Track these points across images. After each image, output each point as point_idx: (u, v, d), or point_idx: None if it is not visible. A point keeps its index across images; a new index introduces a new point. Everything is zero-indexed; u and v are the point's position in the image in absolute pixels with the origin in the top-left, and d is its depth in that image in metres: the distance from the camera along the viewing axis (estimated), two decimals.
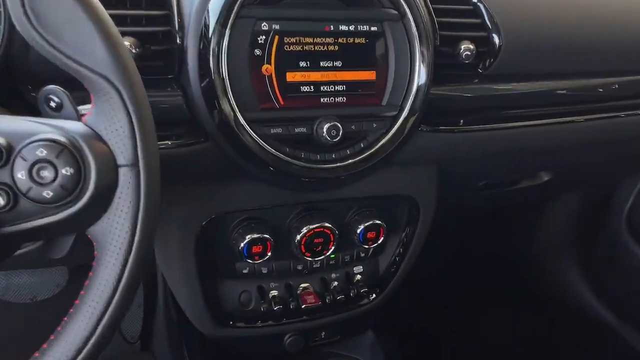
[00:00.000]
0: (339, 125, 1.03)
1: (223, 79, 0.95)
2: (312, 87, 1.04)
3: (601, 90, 1.38)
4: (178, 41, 0.99)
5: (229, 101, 0.97)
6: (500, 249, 2.43)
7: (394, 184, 1.25)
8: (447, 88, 1.20)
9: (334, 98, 1.06)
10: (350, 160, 1.08)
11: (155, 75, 1.00)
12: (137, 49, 0.94)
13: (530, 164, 1.50)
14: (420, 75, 1.08)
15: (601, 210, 2.05)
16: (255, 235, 1.14)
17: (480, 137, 1.26)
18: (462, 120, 1.24)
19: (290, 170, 1.01)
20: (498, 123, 1.28)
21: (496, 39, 1.21)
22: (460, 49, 1.17)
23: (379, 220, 1.19)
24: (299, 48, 1.02)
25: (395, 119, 1.10)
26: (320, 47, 1.04)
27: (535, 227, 2.26)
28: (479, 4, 1.22)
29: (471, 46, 1.17)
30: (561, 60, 1.31)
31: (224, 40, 0.95)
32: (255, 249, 1.14)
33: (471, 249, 2.41)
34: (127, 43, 0.92)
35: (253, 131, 1.00)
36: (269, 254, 1.16)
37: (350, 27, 1.05)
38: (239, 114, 0.98)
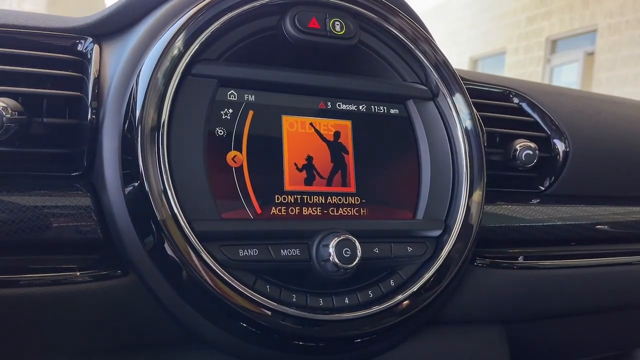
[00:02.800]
0: (356, 243, 0.62)
1: (161, 174, 0.57)
2: (305, 188, 0.66)
3: None
4: (90, 115, 0.63)
5: (169, 206, 0.57)
6: None
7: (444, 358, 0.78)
8: (498, 208, 0.82)
9: (341, 208, 0.67)
10: (373, 310, 0.64)
11: (49, 170, 0.63)
12: (12, 114, 0.57)
13: (621, 331, 1.04)
14: (473, 178, 0.71)
15: None
16: None
17: (548, 277, 0.86)
18: (521, 256, 0.82)
19: (274, 325, 0.61)
20: (570, 259, 0.88)
21: (560, 144, 0.87)
22: (517, 150, 0.82)
23: None
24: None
25: (440, 242, 0.69)
26: (315, 130, 0.68)
27: None
28: (522, 103, 0.91)
29: (532, 145, 0.82)
30: None
31: (164, 113, 0.59)
32: None
33: None
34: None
35: (209, 254, 0.58)
36: None
37: (360, 107, 0.71)
38: (186, 226, 0.57)
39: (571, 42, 9.40)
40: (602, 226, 0.92)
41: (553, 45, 9.71)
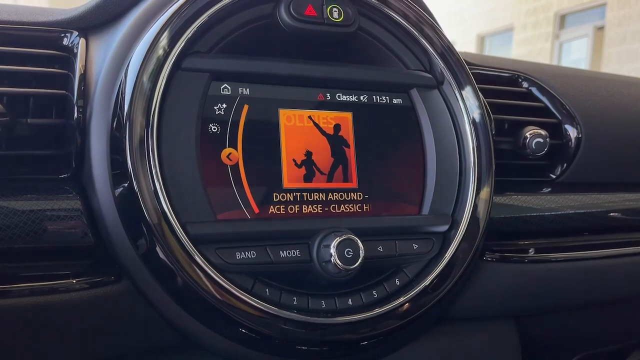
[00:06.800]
0: (358, 242, 0.59)
1: (151, 174, 0.54)
2: (305, 185, 0.63)
3: None
4: (77, 114, 0.60)
5: (161, 208, 0.54)
6: None
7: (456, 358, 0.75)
8: (507, 199, 0.78)
9: (343, 205, 0.64)
10: (377, 311, 0.61)
11: (36, 173, 0.60)
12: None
13: (636, 322, 1.01)
14: (481, 169, 0.68)
15: None
16: None
17: (561, 270, 0.83)
18: (532, 249, 0.79)
19: (274, 330, 0.58)
20: (583, 251, 0.85)
21: (571, 130, 0.84)
22: (527, 138, 0.78)
23: None
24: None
25: (447, 237, 0.66)
26: (314, 123, 0.65)
27: None
28: (531, 88, 0.87)
29: (542, 132, 0.78)
30: None
31: (153, 110, 0.56)
32: None
33: None
34: None
35: (204, 258, 0.55)
36: None
37: (361, 98, 0.67)
38: (179, 229, 0.55)
39: (580, 17, 9.23)
40: (617, 214, 0.89)
41: (562, 20, 9.54)
